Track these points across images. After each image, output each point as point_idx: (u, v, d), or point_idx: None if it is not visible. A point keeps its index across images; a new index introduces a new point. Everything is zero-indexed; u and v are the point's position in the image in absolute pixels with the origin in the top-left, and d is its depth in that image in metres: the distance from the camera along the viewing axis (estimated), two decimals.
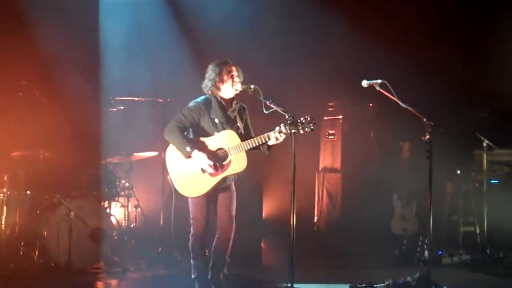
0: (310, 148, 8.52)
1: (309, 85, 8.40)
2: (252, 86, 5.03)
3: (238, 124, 5.16)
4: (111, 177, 6.89)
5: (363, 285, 5.30)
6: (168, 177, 5.12)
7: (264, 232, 7.60)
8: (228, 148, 5.01)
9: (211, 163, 4.93)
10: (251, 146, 4.98)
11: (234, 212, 5.18)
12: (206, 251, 5.29)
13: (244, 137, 5.07)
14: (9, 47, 6.74)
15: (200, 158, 4.93)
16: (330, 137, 8.70)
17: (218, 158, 4.99)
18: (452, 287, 5.59)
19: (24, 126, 6.37)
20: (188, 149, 4.93)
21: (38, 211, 6.45)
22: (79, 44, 7.29)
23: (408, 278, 5.37)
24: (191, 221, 5.16)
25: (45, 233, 6.10)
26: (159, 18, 7.65)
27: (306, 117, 4.86)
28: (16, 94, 6.39)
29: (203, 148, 4.99)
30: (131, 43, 7.54)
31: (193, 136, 5.09)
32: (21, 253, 6.18)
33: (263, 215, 7.78)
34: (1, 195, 6.42)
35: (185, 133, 5.06)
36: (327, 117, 8.80)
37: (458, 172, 7.80)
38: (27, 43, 7.02)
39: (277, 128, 4.89)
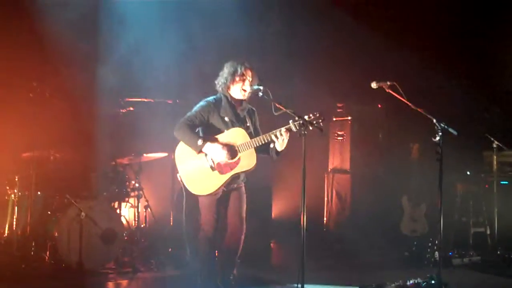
0: (319, 149, 8.51)
1: (318, 86, 8.39)
2: (261, 88, 5.03)
3: (248, 124, 5.17)
4: (121, 178, 6.91)
5: (373, 285, 5.29)
6: (178, 175, 5.12)
7: (274, 233, 7.61)
8: (238, 145, 5.01)
9: (225, 152, 4.94)
10: (260, 143, 4.97)
11: (244, 214, 5.18)
12: (217, 252, 5.30)
13: (252, 136, 5.07)
14: (20, 48, 6.77)
15: (212, 150, 4.93)
16: (339, 138, 8.70)
17: (229, 151, 4.99)
18: None
19: (35, 127, 6.38)
20: (199, 142, 4.93)
21: (49, 212, 6.49)
22: (89, 44, 7.31)
23: (419, 279, 5.35)
24: (201, 222, 5.18)
25: (56, 233, 6.13)
26: (168, 18, 7.66)
27: (314, 113, 4.86)
28: (26, 95, 6.41)
29: (213, 142, 4.99)
30: (141, 43, 7.56)
31: (203, 135, 5.10)
32: (32, 253, 6.22)
33: (273, 216, 7.79)
34: (12, 196, 6.46)
35: (196, 130, 5.07)
36: (335, 118, 8.80)
37: (468, 173, 7.78)
38: (37, 44, 7.05)
39: (283, 128, 4.89)
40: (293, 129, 4.87)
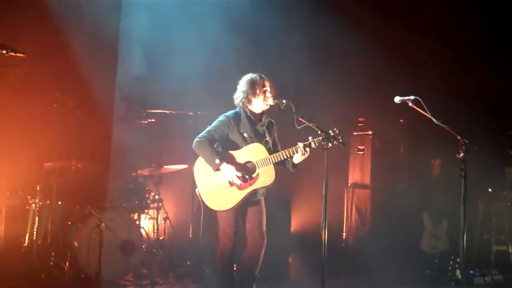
0: (339, 163, 8.45)
1: (339, 100, 8.36)
2: (284, 101, 5.02)
3: (267, 138, 5.16)
4: (141, 189, 6.92)
5: None
6: (197, 190, 5.11)
7: (292, 248, 7.56)
8: (256, 161, 5.00)
9: (240, 174, 4.93)
10: (279, 159, 4.97)
11: (264, 228, 5.15)
12: (235, 265, 5.27)
13: (271, 151, 5.07)
14: (43, 58, 6.83)
15: (228, 170, 4.93)
16: (359, 152, 8.63)
17: (246, 171, 4.99)
18: None
19: (57, 137, 6.42)
20: (217, 161, 4.93)
21: (69, 222, 6.51)
22: (111, 55, 7.36)
23: None
24: (219, 235, 5.15)
25: (76, 243, 6.14)
26: (191, 29, 7.70)
27: (334, 129, 4.85)
28: (50, 105, 6.46)
29: (231, 160, 4.99)
30: (162, 55, 7.59)
31: (221, 149, 5.09)
32: (52, 263, 6.22)
33: (292, 230, 7.74)
34: (33, 205, 6.49)
35: (215, 145, 5.07)
36: (356, 132, 8.74)
37: (490, 190, 7.67)
38: (60, 54, 7.11)
39: (301, 144, 4.87)
40: (313, 145, 4.86)
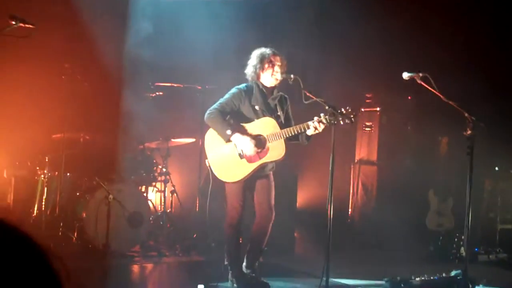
0: (346, 139, 8.43)
1: (347, 76, 8.32)
2: (292, 76, 5.02)
3: (279, 113, 5.16)
4: (149, 162, 6.95)
5: (398, 279, 5.25)
6: (206, 161, 5.14)
7: (298, 222, 7.60)
8: (267, 135, 5.01)
9: (252, 145, 4.94)
10: (290, 135, 4.98)
11: (273, 202, 5.19)
12: (241, 238, 5.32)
13: (282, 126, 5.07)
14: (52, 29, 6.81)
15: (240, 141, 4.94)
16: (366, 129, 8.61)
17: (257, 144, 5.00)
18: (489, 285, 5.51)
19: (66, 109, 6.45)
20: (228, 132, 4.94)
21: (77, 193, 6.58)
22: (121, 29, 7.34)
23: (444, 274, 5.31)
24: (227, 208, 5.20)
25: (84, 215, 6.20)
26: (198, 2, 7.66)
27: (347, 108, 4.84)
28: (59, 77, 6.47)
29: (242, 132, 5.00)
30: (172, 28, 7.56)
31: (233, 122, 5.10)
32: (60, 233, 6.31)
33: (297, 205, 7.78)
34: (42, 176, 6.56)
35: (227, 118, 5.08)
36: (364, 108, 8.70)
37: (496, 168, 7.66)
38: (69, 26, 7.11)
39: (316, 118, 4.88)
40: (324, 121, 4.84)
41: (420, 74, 5.22)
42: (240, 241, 5.32)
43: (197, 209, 6.92)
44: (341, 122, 4.80)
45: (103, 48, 7.05)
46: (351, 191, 8.64)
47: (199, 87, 6.86)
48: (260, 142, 5.01)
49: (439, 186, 7.68)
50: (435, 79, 5.20)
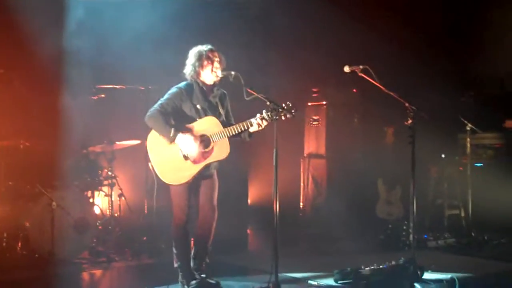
0: (294, 134, 8.48)
1: (293, 71, 8.35)
2: (232, 73, 4.99)
3: (220, 111, 5.12)
4: (93, 166, 6.82)
5: (348, 269, 5.28)
6: (150, 164, 5.05)
7: (250, 219, 7.59)
8: (211, 135, 4.96)
9: (197, 146, 4.88)
10: (234, 133, 4.96)
11: (216, 202, 5.15)
12: (192, 239, 5.26)
13: (225, 124, 5.04)
14: None
15: (184, 142, 4.87)
16: (314, 123, 8.67)
17: (202, 144, 4.94)
18: (437, 270, 5.60)
19: (4, 116, 6.26)
20: (171, 133, 4.87)
21: (20, 202, 6.38)
22: (59, 30, 7.16)
23: (393, 263, 5.36)
24: (173, 209, 5.12)
25: (28, 224, 6.02)
26: (140, 3, 7.54)
27: (287, 103, 4.86)
28: None
29: (186, 133, 4.93)
30: (111, 29, 7.41)
31: (174, 122, 5.02)
32: (4, 244, 6.11)
33: (249, 202, 7.76)
34: None
35: (168, 119, 5.00)
36: (311, 102, 8.76)
37: (443, 156, 7.81)
38: (5, 31, 6.89)
39: (258, 115, 4.88)
40: (266, 118, 4.85)
41: (361, 67, 5.29)
42: (192, 242, 5.25)
43: (145, 212, 6.83)
44: (283, 117, 4.83)
45: (40, 52, 6.85)
46: (301, 185, 8.69)
47: (142, 88, 6.76)
48: (204, 142, 4.96)
49: (387, 175, 7.79)
50: (380, 72, 5.26)
